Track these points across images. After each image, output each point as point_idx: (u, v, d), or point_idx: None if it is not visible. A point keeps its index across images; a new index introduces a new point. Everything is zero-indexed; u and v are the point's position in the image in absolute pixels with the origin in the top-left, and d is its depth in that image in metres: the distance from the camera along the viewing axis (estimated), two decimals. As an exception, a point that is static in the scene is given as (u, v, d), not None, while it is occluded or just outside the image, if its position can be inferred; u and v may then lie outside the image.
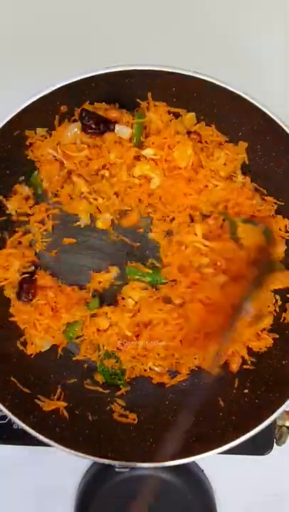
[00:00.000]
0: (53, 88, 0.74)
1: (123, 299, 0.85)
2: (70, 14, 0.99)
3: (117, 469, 0.85)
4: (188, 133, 0.82)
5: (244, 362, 0.85)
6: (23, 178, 0.85)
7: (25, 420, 0.74)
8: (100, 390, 0.85)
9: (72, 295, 0.84)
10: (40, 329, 0.83)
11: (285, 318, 0.84)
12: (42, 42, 0.97)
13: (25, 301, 0.82)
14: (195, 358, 0.85)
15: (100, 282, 0.86)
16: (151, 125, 0.82)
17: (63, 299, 0.83)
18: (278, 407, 0.74)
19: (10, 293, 0.84)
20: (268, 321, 0.84)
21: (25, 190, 0.85)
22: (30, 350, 0.84)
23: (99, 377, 0.86)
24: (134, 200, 0.84)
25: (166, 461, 0.74)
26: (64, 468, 0.93)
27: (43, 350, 0.85)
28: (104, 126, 0.79)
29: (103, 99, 0.80)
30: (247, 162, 0.84)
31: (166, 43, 0.97)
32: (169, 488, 0.86)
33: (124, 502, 0.87)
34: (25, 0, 0.99)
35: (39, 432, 0.74)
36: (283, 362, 0.81)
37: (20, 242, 0.86)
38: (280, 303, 0.85)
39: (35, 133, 0.82)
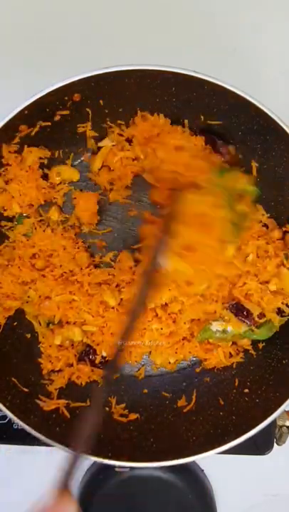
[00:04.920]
0: (53, 88, 0.74)
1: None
2: (70, 14, 0.99)
3: (117, 469, 0.85)
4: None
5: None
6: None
7: (25, 420, 0.74)
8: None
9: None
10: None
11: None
12: (42, 42, 0.97)
13: None
14: (189, 352, 0.85)
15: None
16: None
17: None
18: (278, 407, 0.74)
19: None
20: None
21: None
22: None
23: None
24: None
25: (166, 461, 0.74)
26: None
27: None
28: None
29: (102, 99, 0.80)
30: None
31: (166, 43, 0.97)
32: (169, 488, 0.86)
33: (124, 502, 0.88)
34: (25, 0, 0.99)
35: (39, 432, 0.74)
36: (283, 362, 0.81)
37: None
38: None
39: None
